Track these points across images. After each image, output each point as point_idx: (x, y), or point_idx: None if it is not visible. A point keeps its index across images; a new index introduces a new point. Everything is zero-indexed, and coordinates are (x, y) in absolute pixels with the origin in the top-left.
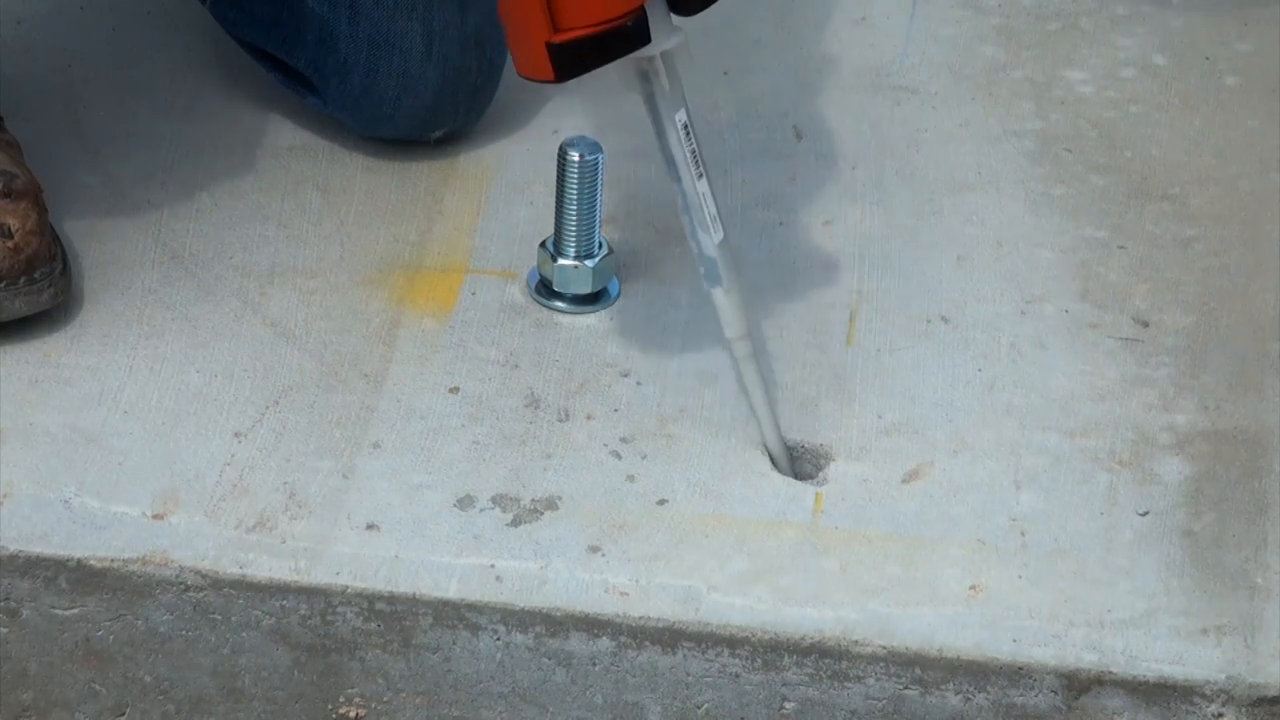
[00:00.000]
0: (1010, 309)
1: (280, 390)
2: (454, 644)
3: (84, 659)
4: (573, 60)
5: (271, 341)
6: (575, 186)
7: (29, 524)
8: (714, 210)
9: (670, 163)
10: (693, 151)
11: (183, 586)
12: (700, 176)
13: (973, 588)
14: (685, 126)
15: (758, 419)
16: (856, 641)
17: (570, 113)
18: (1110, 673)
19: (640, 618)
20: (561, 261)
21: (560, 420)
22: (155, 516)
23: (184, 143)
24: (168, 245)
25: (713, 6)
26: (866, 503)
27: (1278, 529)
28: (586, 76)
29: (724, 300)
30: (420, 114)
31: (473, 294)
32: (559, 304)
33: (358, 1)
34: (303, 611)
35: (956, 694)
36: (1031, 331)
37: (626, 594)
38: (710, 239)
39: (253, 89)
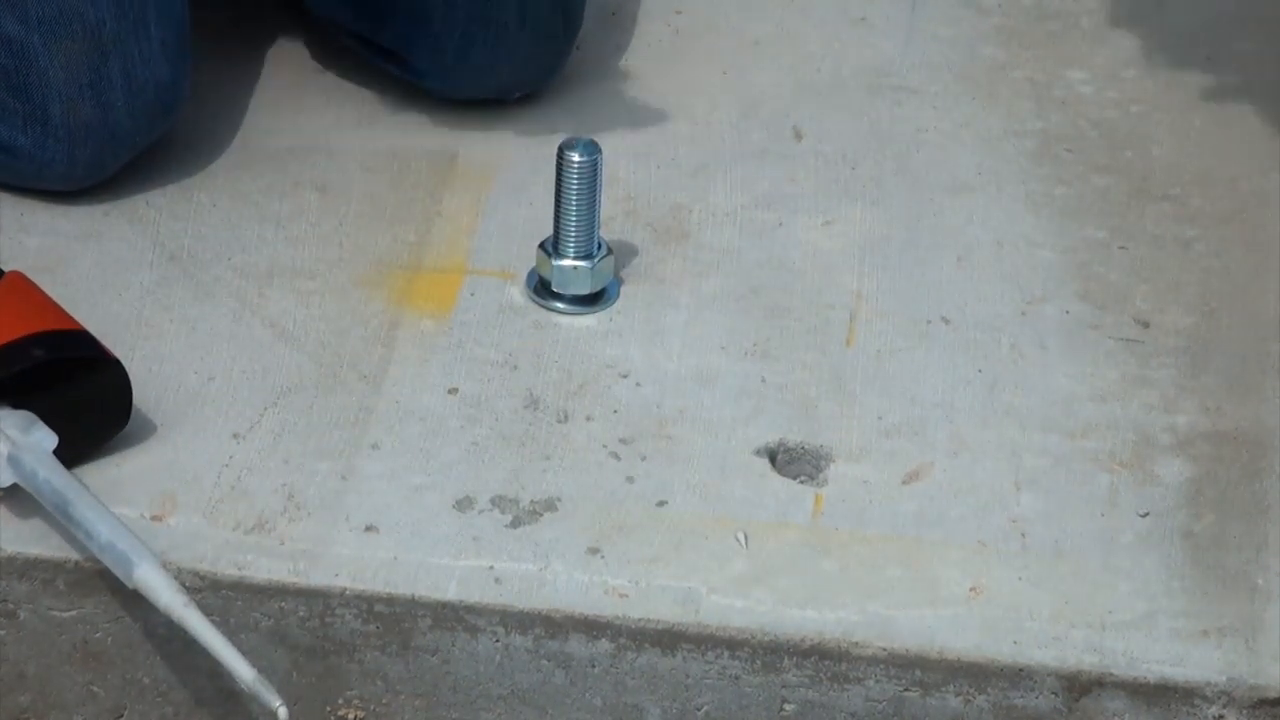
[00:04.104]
0: (1011, 309)
1: (278, 391)
2: (453, 646)
3: (82, 661)
4: None
5: (270, 343)
6: (574, 187)
7: (27, 525)
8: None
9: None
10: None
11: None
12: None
13: (973, 589)
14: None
15: (225, 662)
16: (857, 643)
17: (569, 114)
18: (1111, 674)
19: (640, 619)
20: (560, 262)
21: (559, 421)
22: (154, 518)
23: (182, 142)
24: (165, 246)
25: (713, 6)
26: (867, 504)
27: (1278, 530)
28: None
29: (150, 573)
30: (510, 78)
31: (471, 295)
32: (558, 305)
33: None
34: (301, 613)
35: (957, 696)
36: (1032, 332)
37: (626, 596)
38: (100, 535)
39: (252, 88)
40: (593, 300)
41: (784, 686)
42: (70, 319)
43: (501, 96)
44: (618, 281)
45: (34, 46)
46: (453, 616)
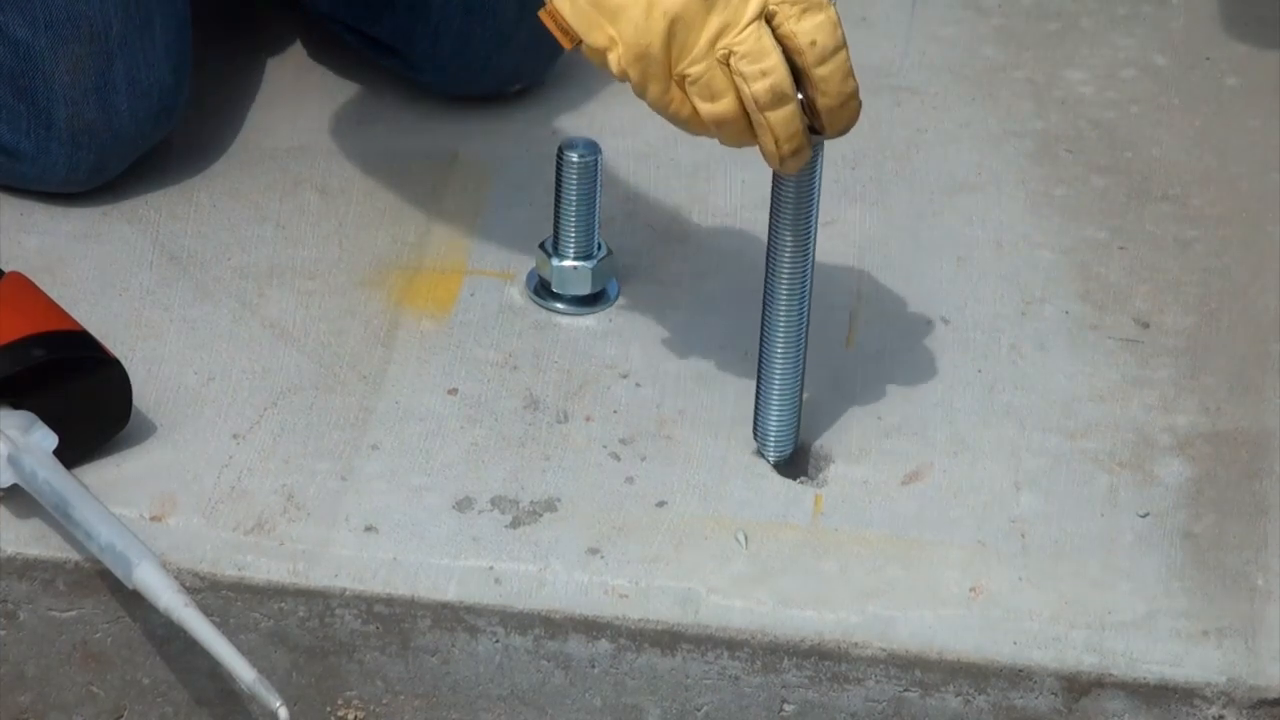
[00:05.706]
0: (1010, 310)
1: (278, 392)
2: (453, 646)
3: (82, 661)
4: None
5: (270, 343)
6: (574, 187)
7: (27, 525)
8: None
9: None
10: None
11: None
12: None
13: (973, 590)
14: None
15: (226, 664)
16: (856, 644)
17: (569, 114)
18: (1111, 675)
19: (639, 620)
20: (560, 263)
21: (559, 422)
22: (153, 519)
23: (182, 143)
24: (165, 246)
25: None
26: (866, 504)
27: (1278, 530)
28: None
29: (150, 574)
30: (508, 71)
31: (471, 295)
32: (558, 305)
33: None
34: (301, 614)
35: (956, 696)
36: (1032, 332)
37: (626, 596)
38: (100, 535)
39: (251, 88)
40: (593, 300)
41: (784, 687)
42: (70, 319)
43: (500, 89)
44: (617, 282)
45: (40, 49)
46: (452, 617)
